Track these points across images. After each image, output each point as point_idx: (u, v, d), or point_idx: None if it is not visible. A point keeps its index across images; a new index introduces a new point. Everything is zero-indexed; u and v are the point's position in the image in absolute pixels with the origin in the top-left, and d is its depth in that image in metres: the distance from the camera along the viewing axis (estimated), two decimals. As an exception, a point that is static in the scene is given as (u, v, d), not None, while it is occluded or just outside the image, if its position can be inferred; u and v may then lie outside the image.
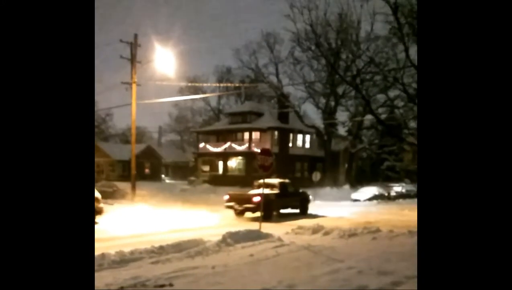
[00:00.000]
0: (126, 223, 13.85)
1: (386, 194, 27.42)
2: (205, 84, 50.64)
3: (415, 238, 9.77)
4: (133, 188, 19.31)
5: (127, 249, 8.01)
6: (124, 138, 57.88)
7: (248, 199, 15.68)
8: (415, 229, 10.43)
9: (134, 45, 19.23)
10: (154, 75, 21.48)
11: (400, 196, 27.68)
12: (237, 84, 46.35)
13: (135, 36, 19.38)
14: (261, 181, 14.86)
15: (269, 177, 15.90)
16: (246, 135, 38.89)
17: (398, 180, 36.24)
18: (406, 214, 18.35)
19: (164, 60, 19.38)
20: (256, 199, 14.97)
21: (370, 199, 27.14)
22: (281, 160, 33.97)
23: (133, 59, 19.19)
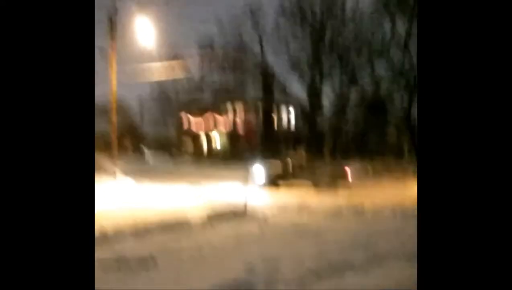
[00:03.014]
0: (108, 199, 13.62)
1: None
2: (186, 53, 49.58)
3: (398, 215, 9.93)
4: (115, 161, 18.90)
5: (109, 226, 7.89)
6: (103, 109, 56.90)
7: None
8: (398, 207, 10.62)
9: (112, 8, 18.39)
10: (133, 44, 20.50)
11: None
12: (220, 55, 45.55)
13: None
14: None
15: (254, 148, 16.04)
16: (230, 107, 38.62)
17: (382, 155, 36.61)
18: (388, 192, 18.58)
19: (143, 27, 18.65)
20: None
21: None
22: (265, 133, 33.93)
23: (112, 24, 18.35)
